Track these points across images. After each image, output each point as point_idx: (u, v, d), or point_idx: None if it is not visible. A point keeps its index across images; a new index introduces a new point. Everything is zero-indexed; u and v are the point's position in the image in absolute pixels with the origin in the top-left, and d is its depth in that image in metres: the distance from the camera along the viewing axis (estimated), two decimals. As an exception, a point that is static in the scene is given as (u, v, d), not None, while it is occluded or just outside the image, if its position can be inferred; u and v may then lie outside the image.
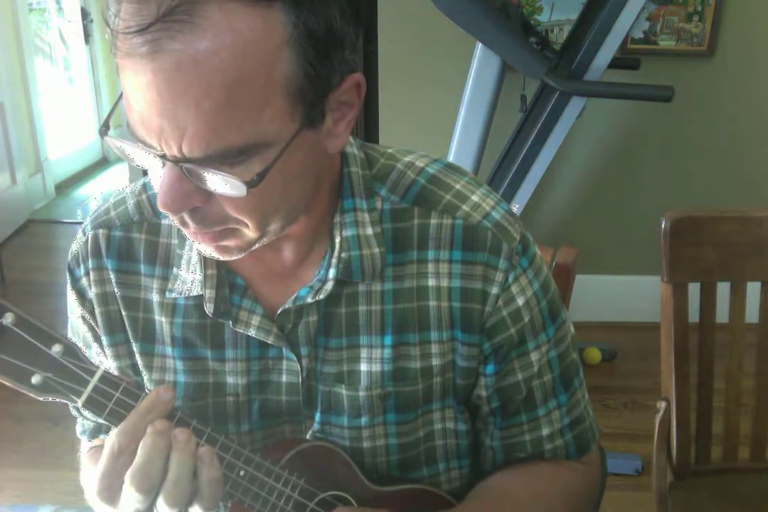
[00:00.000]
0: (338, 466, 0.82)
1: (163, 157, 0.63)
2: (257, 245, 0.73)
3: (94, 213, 0.87)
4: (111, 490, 0.69)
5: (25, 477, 2.16)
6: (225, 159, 0.62)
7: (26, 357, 0.67)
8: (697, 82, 2.65)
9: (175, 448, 0.69)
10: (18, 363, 0.67)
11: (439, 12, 2.01)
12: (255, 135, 0.62)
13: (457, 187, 0.82)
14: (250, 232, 0.70)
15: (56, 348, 0.68)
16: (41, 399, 0.70)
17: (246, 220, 0.68)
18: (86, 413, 0.93)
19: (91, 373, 0.69)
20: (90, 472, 0.90)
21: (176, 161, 0.62)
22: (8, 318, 0.67)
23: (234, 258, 0.74)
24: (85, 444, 0.97)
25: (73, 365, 0.69)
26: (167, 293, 0.82)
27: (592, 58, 2.08)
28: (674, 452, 1.34)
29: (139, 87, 0.60)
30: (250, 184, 0.63)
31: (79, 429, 0.97)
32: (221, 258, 0.74)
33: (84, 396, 0.69)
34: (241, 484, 0.75)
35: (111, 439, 0.69)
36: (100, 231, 0.84)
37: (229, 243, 0.72)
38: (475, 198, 0.81)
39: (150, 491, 0.68)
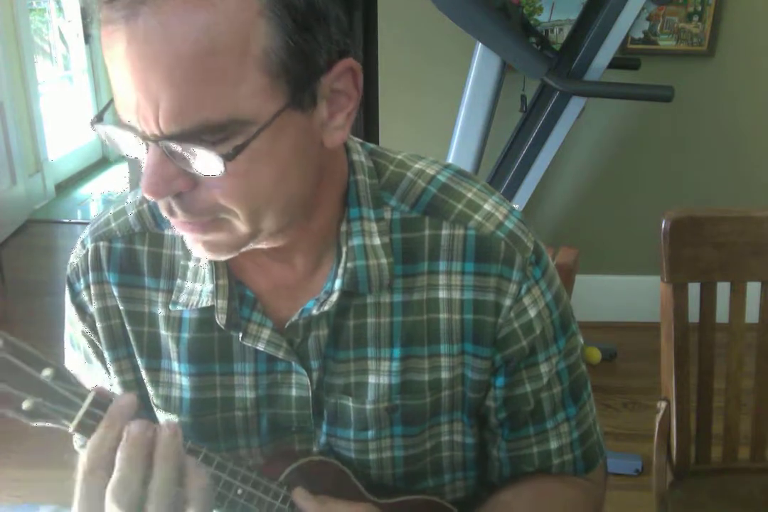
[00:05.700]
0: (337, 480, 0.81)
1: (144, 136, 0.62)
2: (251, 244, 0.71)
3: (93, 224, 0.84)
4: (92, 509, 0.66)
5: (25, 477, 2.16)
6: (203, 135, 0.60)
7: (16, 382, 0.65)
8: (697, 82, 2.65)
9: (156, 458, 0.66)
10: (8, 389, 0.65)
11: (439, 14, 2.01)
12: (233, 110, 0.60)
13: (469, 195, 0.80)
14: (241, 225, 0.67)
15: (46, 373, 0.66)
16: (33, 424, 0.67)
17: (235, 209, 0.65)
18: (77, 438, 0.91)
19: (83, 397, 0.67)
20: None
21: (156, 140, 0.61)
22: None
23: (224, 257, 0.72)
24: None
25: (64, 389, 0.67)
26: (172, 306, 0.80)
27: (592, 58, 2.08)
28: (674, 452, 1.34)
29: (117, 59, 0.60)
30: (226, 158, 0.60)
31: (78, 442, 0.94)
32: (211, 256, 0.71)
33: (75, 421, 0.67)
34: (239, 503, 0.74)
35: (82, 459, 0.67)
36: (101, 243, 0.82)
37: (219, 237, 0.69)
38: (487, 207, 0.79)
39: (131, 505, 0.65)
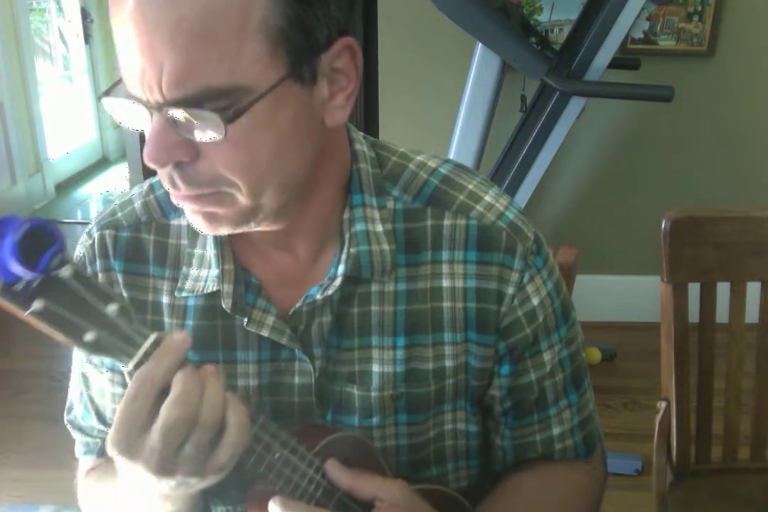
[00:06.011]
0: (365, 458, 0.81)
1: (148, 105, 0.63)
2: (252, 224, 0.72)
3: (99, 215, 0.85)
4: (130, 439, 0.64)
5: (25, 477, 2.16)
6: (205, 102, 0.62)
7: (82, 312, 0.63)
8: (697, 82, 2.65)
9: (207, 383, 0.66)
10: (73, 318, 0.63)
11: (439, 14, 2.01)
12: (234, 76, 0.62)
13: (470, 187, 0.81)
14: (242, 198, 0.68)
15: (112, 308, 0.64)
16: (91, 357, 0.66)
17: (237, 180, 0.67)
18: (79, 443, 0.91)
19: (144, 337, 0.66)
20: (99, 488, 0.87)
21: (159, 107, 0.63)
22: (67, 271, 0.62)
23: (223, 231, 0.72)
24: (86, 465, 0.92)
25: (127, 326, 0.65)
26: (177, 292, 0.80)
27: (592, 58, 2.08)
28: (674, 452, 1.34)
29: (123, 25, 0.62)
30: (227, 121, 0.62)
31: (81, 449, 0.92)
32: (210, 229, 0.72)
33: (135, 360, 0.65)
34: (276, 467, 0.73)
35: (129, 386, 0.65)
36: (107, 231, 0.83)
37: (219, 210, 0.69)
38: (488, 198, 0.81)
39: (185, 424, 0.63)
